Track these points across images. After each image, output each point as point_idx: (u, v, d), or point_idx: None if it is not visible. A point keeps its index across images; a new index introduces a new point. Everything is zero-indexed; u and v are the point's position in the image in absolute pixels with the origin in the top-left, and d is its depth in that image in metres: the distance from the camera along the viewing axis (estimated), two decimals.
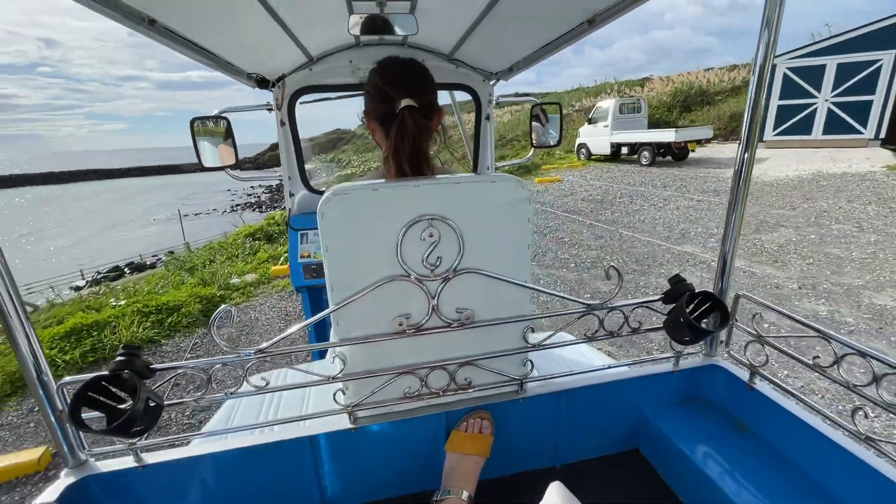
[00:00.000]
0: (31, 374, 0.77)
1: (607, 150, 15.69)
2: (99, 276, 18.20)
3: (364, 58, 1.93)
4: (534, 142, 2.34)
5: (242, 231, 9.01)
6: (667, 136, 13.40)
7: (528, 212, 0.89)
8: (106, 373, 0.75)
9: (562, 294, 1.01)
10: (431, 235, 0.84)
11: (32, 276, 17.25)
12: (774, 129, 14.53)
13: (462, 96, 2.31)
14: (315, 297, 2.26)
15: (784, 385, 1.01)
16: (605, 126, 15.53)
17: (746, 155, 0.96)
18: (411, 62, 1.04)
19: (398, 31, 1.43)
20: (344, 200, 0.80)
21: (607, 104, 15.82)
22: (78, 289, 16.69)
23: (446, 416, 1.00)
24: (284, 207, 2.33)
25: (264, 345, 0.84)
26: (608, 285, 4.58)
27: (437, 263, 0.86)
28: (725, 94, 21.76)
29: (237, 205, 32.92)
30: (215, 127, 2.01)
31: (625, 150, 15.17)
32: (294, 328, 0.89)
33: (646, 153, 14.26)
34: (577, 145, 17.41)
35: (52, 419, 0.80)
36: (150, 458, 0.88)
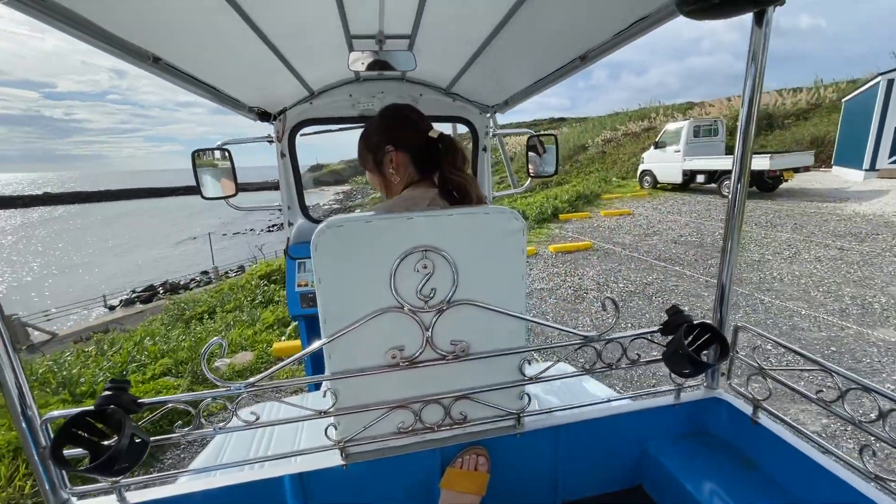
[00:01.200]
0: (16, 408, 0.75)
1: (678, 178, 13.64)
2: (133, 296, 18.06)
3: (364, 92, 1.97)
4: (531, 172, 2.34)
5: (257, 271, 7.64)
6: (758, 162, 11.25)
7: (522, 243, 0.89)
8: (91, 408, 0.73)
9: (557, 325, 1.01)
10: (426, 267, 0.84)
11: (69, 295, 16.98)
12: (891, 155, 12.08)
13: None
14: (311, 326, 2.22)
15: (788, 420, 0.99)
16: (677, 151, 13.53)
17: (739, 185, 0.98)
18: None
19: (397, 67, 1.48)
20: (337, 233, 0.80)
21: (678, 126, 13.86)
22: (112, 308, 16.45)
23: (441, 452, 0.98)
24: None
25: (255, 378, 0.83)
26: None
27: (432, 295, 0.85)
28: (794, 118, 19.60)
29: (273, 225, 32.88)
30: (218, 159, 2.04)
31: (700, 178, 13.08)
32: (284, 362, 0.88)
33: (728, 182, 12.08)
34: (639, 172, 15.42)
35: (35, 456, 0.79)
36: (134, 497, 0.86)
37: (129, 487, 0.86)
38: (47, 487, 0.82)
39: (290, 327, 4.62)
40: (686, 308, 4.60)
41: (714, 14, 0.83)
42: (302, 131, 2.09)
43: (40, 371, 4.32)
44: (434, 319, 0.87)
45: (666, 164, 14.02)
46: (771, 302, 4.65)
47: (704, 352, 0.99)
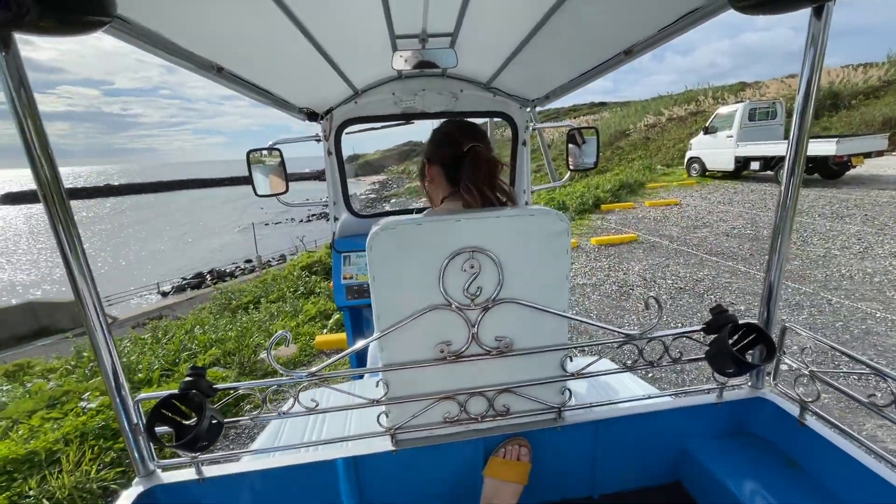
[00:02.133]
0: (112, 389, 0.84)
1: (729, 166, 12.82)
2: (184, 283, 19.17)
3: (406, 89, 2.02)
4: (570, 164, 2.30)
5: (299, 262, 7.82)
6: (824, 147, 10.36)
7: (566, 243, 0.92)
8: (177, 392, 0.84)
9: (599, 323, 1.02)
10: (472, 267, 0.89)
11: (123, 282, 18.20)
12: None
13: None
14: (356, 317, 2.35)
15: (839, 424, 0.96)
16: (729, 136, 12.70)
17: (793, 176, 0.96)
18: (474, 123, 1.25)
19: (439, 65, 1.52)
20: (391, 235, 0.87)
21: (731, 109, 13.00)
22: (165, 294, 17.54)
23: (484, 442, 1.03)
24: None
25: (316, 367, 0.94)
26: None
27: (478, 293, 0.91)
28: (864, 96, 17.88)
29: (313, 214, 33.80)
30: (269, 157, 2.12)
31: (755, 165, 12.22)
32: (347, 351, 0.96)
33: None
34: (687, 159, 14.62)
35: (129, 431, 0.87)
36: (209, 471, 0.94)
37: (205, 462, 0.95)
38: (138, 459, 0.91)
39: (331, 320, 4.69)
40: (742, 307, 4.32)
41: (769, 9, 0.79)
42: (347, 130, 2.16)
43: None
44: (480, 317, 0.92)
45: (717, 150, 13.20)
46: (840, 302, 4.27)
47: (749, 352, 0.99)
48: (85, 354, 4.82)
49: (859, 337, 3.61)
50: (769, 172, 11.98)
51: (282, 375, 0.91)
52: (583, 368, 1.03)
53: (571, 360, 1.04)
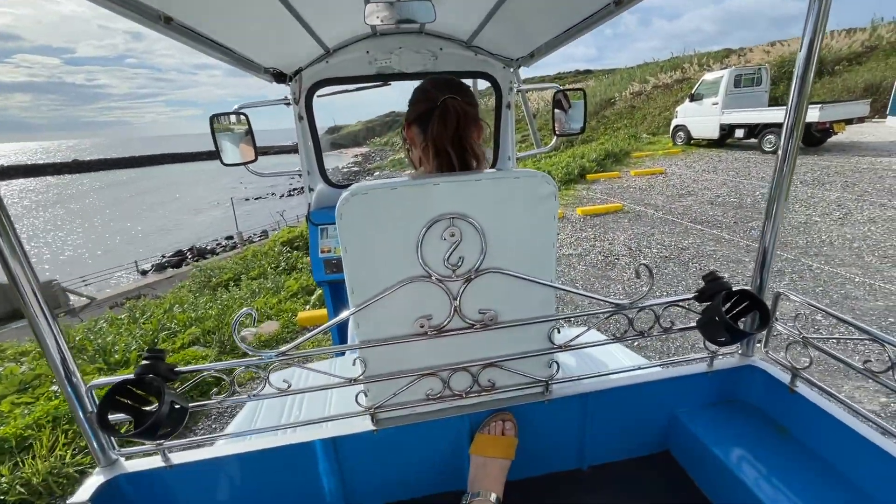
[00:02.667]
0: (62, 376, 0.80)
1: (714, 134, 12.81)
2: (163, 261, 18.76)
3: (381, 47, 1.89)
4: (556, 130, 2.16)
5: (280, 237, 7.63)
6: (808, 114, 10.36)
7: (554, 208, 0.87)
8: (131, 377, 0.78)
9: (589, 293, 0.98)
10: (453, 235, 0.84)
11: (102, 261, 17.69)
12: None
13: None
14: (336, 292, 2.24)
15: (830, 390, 0.96)
16: (714, 104, 12.63)
17: (791, 140, 0.93)
18: (458, 79, 1.12)
19: (415, 19, 1.41)
20: (363, 200, 0.80)
21: (716, 76, 12.88)
22: (144, 273, 17.15)
23: (469, 419, 1.00)
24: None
25: (286, 347, 0.86)
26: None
27: (459, 264, 0.86)
28: (847, 63, 17.90)
29: (293, 189, 32.99)
30: (235, 123, 1.97)
31: (739, 132, 12.23)
32: (316, 330, 0.90)
33: (771, 137, 11.30)
34: (672, 127, 14.56)
35: (83, 420, 0.83)
36: (178, 458, 0.91)
37: (172, 449, 0.91)
38: (97, 448, 0.87)
39: (314, 296, 4.59)
40: (727, 275, 4.35)
41: None
42: (319, 92, 2.02)
43: (78, 338, 4.47)
44: (462, 288, 0.87)
45: (702, 118, 13.15)
46: (820, 268, 4.34)
47: (742, 319, 0.98)
48: None
49: (838, 301, 3.67)
50: (753, 140, 12.01)
51: (251, 356, 0.85)
52: (571, 340, 0.99)
53: (559, 332, 1.00)
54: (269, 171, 2.42)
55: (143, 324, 4.70)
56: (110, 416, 0.78)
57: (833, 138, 11.29)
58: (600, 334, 1.33)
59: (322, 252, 2.12)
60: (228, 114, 1.94)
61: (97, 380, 0.85)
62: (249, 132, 1.97)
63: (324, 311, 4.12)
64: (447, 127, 0.98)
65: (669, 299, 1.00)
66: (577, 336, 1.00)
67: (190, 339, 3.76)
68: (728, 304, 0.95)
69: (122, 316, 5.35)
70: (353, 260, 0.84)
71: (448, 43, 1.95)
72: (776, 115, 11.17)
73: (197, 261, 16.08)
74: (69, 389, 0.81)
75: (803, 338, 0.98)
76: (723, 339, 0.94)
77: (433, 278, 0.86)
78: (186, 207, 31.58)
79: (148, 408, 0.82)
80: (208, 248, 19.97)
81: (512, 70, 2.08)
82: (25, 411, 2.61)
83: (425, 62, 1.92)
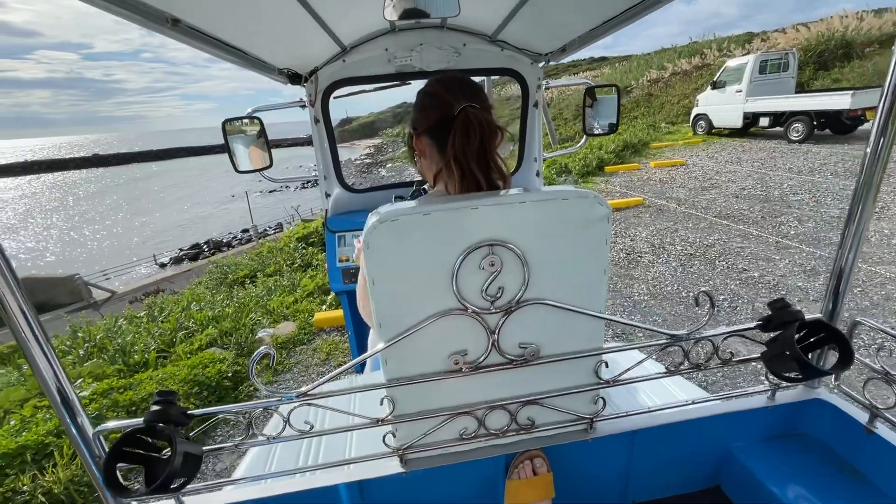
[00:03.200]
0: (67, 422, 0.73)
1: (738, 122, 12.39)
2: (181, 254, 19.10)
3: (401, 44, 1.79)
4: (586, 129, 2.07)
5: (294, 233, 7.60)
6: (838, 101, 9.94)
7: (606, 232, 0.78)
8: (141, 424, 0.73)
9: (642, 324, 0.92)
10: (492, 264, 0.75)
11: (122, 255, 18.04)
12: None
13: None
14: (354, 302, 1.93)
15: None
16: (738, 91, 12.19)
17: (882, 139, 0.80)
18: (468, 77, 1.00)
19: (437, 13, 1.35)
20: (392, 228, 0.72)
21: (740, 62, 12.42)
22: (163, 266, 17.51)
23: (505, 458, 0.93)
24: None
25: (306, 388, 0.80)
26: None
27: (499, 294, 0.78)
28: (878, 45, 17.06)
29: (308, 181, 33.06)
30: (249, 126, 1.90)
31: (764, 121, 11.82)
32: (340, 369, 0.81)
33: (798, 125, 10.89)
34: (693, 116, 14.15)
35: (93, 466, 0.77)
36: (193, 502, 0.86)
37: (186, 492, 0.86)
38: (108, 496, 0.81)
39: (330, 296, 4.55)
40: (756, 274, 4.17)
41: None
42: (336, 92, 1.93)
43: (98, 337, 4.51)
44: (501, 321, 0.80)
45: (725, 106, 12.72)
46: (857, 266, 4.12)
47: (813, 352, 0.92)
48: (80, 335, 4.70)
49: (879, 304, 3.48)
50: (779, 129, 11.58)
51: (268, 397, 0.79)
52: (619, 375, 0.91)
53: (607, 367, 0.91)
54: (282, 174, 2.35)
55: (162, 322, 4.72)
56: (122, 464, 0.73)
57: (864, 126, 10.83)
58: (651, 366, 1.25)
59: (340, 261, 2.03)
60: (241, 118, 1.87)
61: (105, 424, 0.79)
62: (263, 136, 1.89)
63: (341, 313, 4.07)
64: (470, 142, 0.89)
65: (731, 329, 0.90)
66: (627, 370, 0.91)
67: (208, 340, 3.75)
68: (798, 336, 0.87)
69: (141, 314, 5.40)
70: (381, 292, 0.76)
71: (472, 38, 1.84)
72: (804, 102, 10.73)
73: (213, 254, 16.34)
74: (76, 435, 0.75)
75: (886, 373, 0.88)
76: (792, 374, 0.86)
77: (469, 311, 0.78)
78: (202, 200, 31.99)
79: (159, 454, 0.77)
80: (224, 241, 20.25)
81: (541, 66, 1.95)
82: (47, 416, 2.61)
83: (448, 59, 1.81)
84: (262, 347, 0.78)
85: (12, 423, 2.63)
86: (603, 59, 41.22)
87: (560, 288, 0.81)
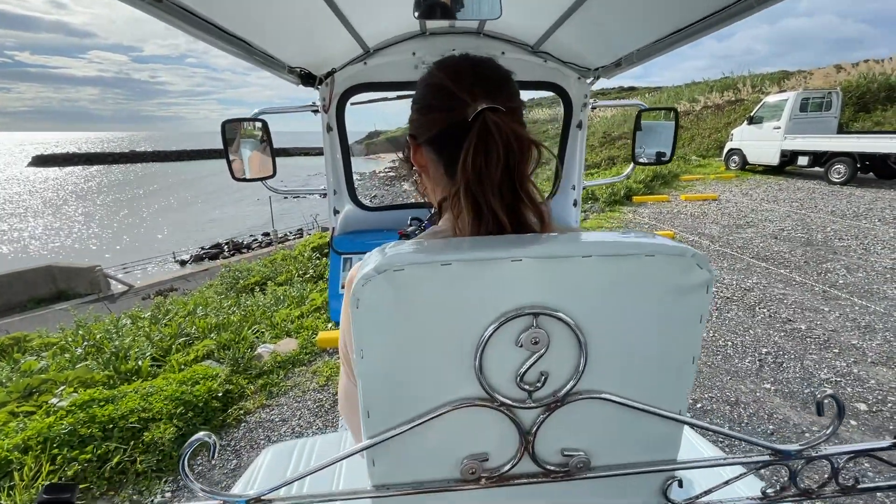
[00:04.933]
0: None
1: (774, 160, 11.92)
2: (202, 253, 19.41)
3: (430, 49, 1.62)
4: (635, 155, 1.80)
5: (309, 242, 7.48)
6: (887, 144, 9.45)
7: (703, 305, 0.56)
8: None
9: (738, 434, 0.64)
10: (536, 341, 0.53)
11: (142, 250, 18.36)
12: None
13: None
14: None
15: None
16: (776, 128, 11.76)
17: None
18: (489, 60, 0.71)
19: (476, 15, 1.18)
20: (394, 281, 0.50)
21: (780, 98, 12.02)
22: (182, 263, 17.78)
23: None
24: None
25: (256, 493, 0.57)
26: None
27: (541, 383, 0.56)
28: None
29: (322, 194, 33.40)
30: (251, 131, 1.72)
31: (803, 160, 11.33)
32: (304, 472, 0.57)
33: (840, 167, 10.37)
34: (726, 151, 13.72)
35: None
36: None
37: None
38: None
39: None
40: (803, 326, 3.79)
41: None
42: (353, 99, 1.76)
43: (98, 336, 4.38)
44: (540, 419, 0.59)
45: (761, 142, 12.28)
46: None
47: None
48: (80, 332, 4.58)
49: None
50: (818, 169, 11.08)
51: (204, 499, 0.54)
52: (698, 497, 0.67)
53: (681, 486, 0.68)
54: (287, 187, 2.17)
55: (164, 326, 4.57)
56: None
57: None
58: (743, 487, 0.94)
59: (343, 288, 1.81)
60: (244, 120, 1.68)
61: None
62: (267, 143, 1.70)
63: None
64: (491, 163, 0.61)
65: (859, 447, 0.67)
66: (709, 492, 0.67)
67: (204, 351, 3.56)
68: None
69: (146, 314, 5.28)
70: (371, 369, 0.55)
71: (511, 47, 1.64)
72: (849, 143, 10.25)
73: (232, 254, 16.54)
74: None
75: None
76: None
77: (497, 402, 0.56)
78: (228, 201, 32.64)
79: None
80: (244, 242, 20.51)
81: (589, 82, 1.73)
82: (21, 425, 2.42)
83: None
84: (200, 434, 0.56)
85: None
86: (632, 88, 40.98)
87: (627, 378, 0.59)
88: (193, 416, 2.65)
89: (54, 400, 2.60)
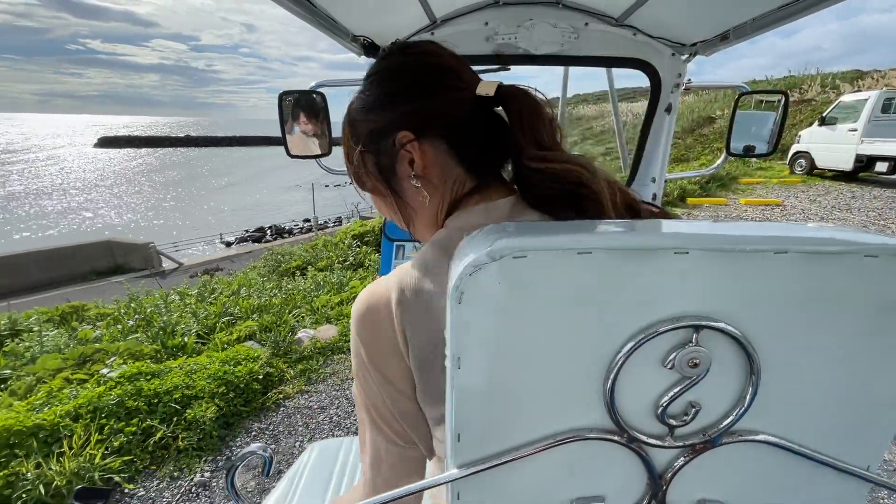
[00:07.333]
0: None
1: (847, 165, 10.93)
2: (246, 236, 20.24)
3: (505, 19, 1.45)
4: (730, 146, 1.59)
5: (350, 230, 7.51)
6: None
7: None
8: None
9: None
10: (694, 363, 0.40)
11: (191, 230, 19.27)
12: None
13: None
14: None
15: None
16: (852, 130, 10.78)
17: None
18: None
19: None
20: (510, 273, 0.38)
21: (857, 98, 11.04)
22: (228, 244, 18.57)
23: None
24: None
25: None
26: None
27: (689, 416, 0.43)
28: None
29: None
30: (309, 104, 1.58)
31: (881, 166, 10.32)
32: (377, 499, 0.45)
33: None
34: (791, 153, 12.74)
35: None
36: None
37: None
38: None
39: None
40: None
41: None
42: None
43: (149, 310, 4.53)
44: (682, 461, 0.45)
45: (833, 145, 11.30)
46: None
47: None
48: (132, 305, 4.76)
49: None
50: (893, 176, 10.09)
51: None
52: None
53: None
54: (341, 169, 2.07)
55: (209, 305, 4.68)
56: None
57: None
58: None
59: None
60: (302, 92, 1.57)
61: None
62: (325, 117, 1.59)
63: None
64: (542, 132, 0.56)
65: None
66: None
67: (247, 332, 3.58)
68: None
69: (193, 291, 5.44)
70: (470, 381, 0.42)
71: (594, 19, 1.47)
72: None
73: (275, 238, 17.13)
74: None
75: None
76: None
77: (625, 437, 0.44)
78: (273, 187, 33.75)
79: None
80: (286, 228, 21.22)
81: (684, 58, 1.52)
82: (73, 392, 2.49)
83: (562, 41, 1.43)
84: (254, 445, 0.47)
85: (40, 393, 2.53)
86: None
87: (804, 418, 0.45)
88: (234, 396, 2.65)
89: (105, 370, 2.66)
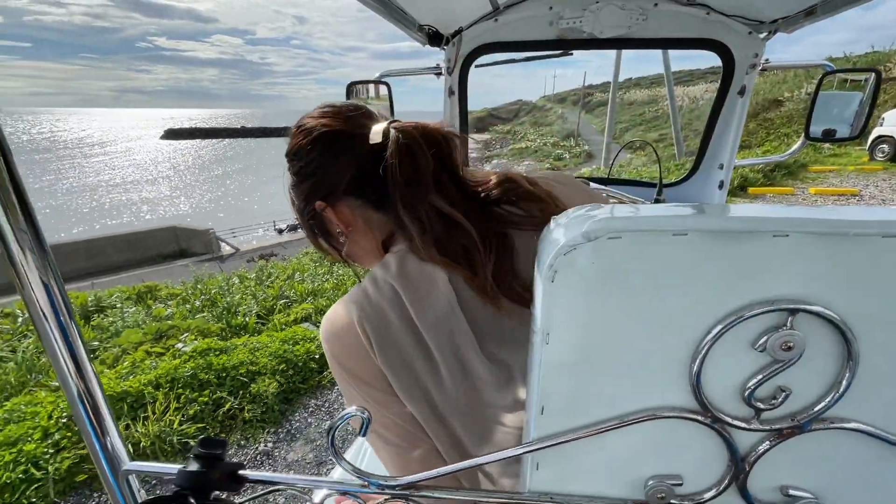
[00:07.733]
0: (93, 442, 0.54)
1: None
2: (296, 224, 21.22)
3: (570, 3, 1.43)
4: (810, 129, 1.50)
5: None
6: None
7: None
8: (168, 495, 0.50)
9: None
10: (788, 346, 0.40)
11: (245, 217, 20.33)
12: None
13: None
14: None
15: None
16: None
17: None
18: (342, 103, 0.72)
19: None
20: (604, 253, 0.39)
21: None
22: (280, 231, 19.51)
23: None
24: None
25: (410, 478, 0.51)
26: None
27: (778, 400, 0.43)
28: None
29: None
30: (375, 95, 1.66)
31: None
32: (465, 464, 0.51)
33: None
34: (872, 138, 11.59)
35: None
36: None
37: None
38: None
39: None
40: None
41: None
42: (479, 60, 1.63)
43: (213, 291, 4.87)
44: (766, 445, 0.45)
45: None
46: None
47: None
48: (198, 286, 5.13)
49: None
50: None
51: (355, 479, 0.52)
52: None
53: None
54: None
55: (267, 288, 4.96)
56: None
57: None
58: None
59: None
60: (369, 82, 1.63)
61: (134, 464, 0.59)
62: (390, 107, 1.65)
63: None
64: (420, 168, 0.61)
65: None
66: None
67: (303, 314, 3.77)
68: None
69: (252, 275, 5.77)
70: (556, 357, 0.44)
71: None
72: None
73: None
74: (104, 465, 0.57)
75: None
76: None
77: (709, 417, 0.45)
78: None
79: None
80: None
81: (763, 37, 1.44)
82: (153, 364, 2.74)
83: (630, 23, 1.39)
84: (352, 408, 0.51)
85: (125, 363, 2.81)
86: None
87: None
88: (293, 374, 2.82)
89: (179, 345, 2.91)
